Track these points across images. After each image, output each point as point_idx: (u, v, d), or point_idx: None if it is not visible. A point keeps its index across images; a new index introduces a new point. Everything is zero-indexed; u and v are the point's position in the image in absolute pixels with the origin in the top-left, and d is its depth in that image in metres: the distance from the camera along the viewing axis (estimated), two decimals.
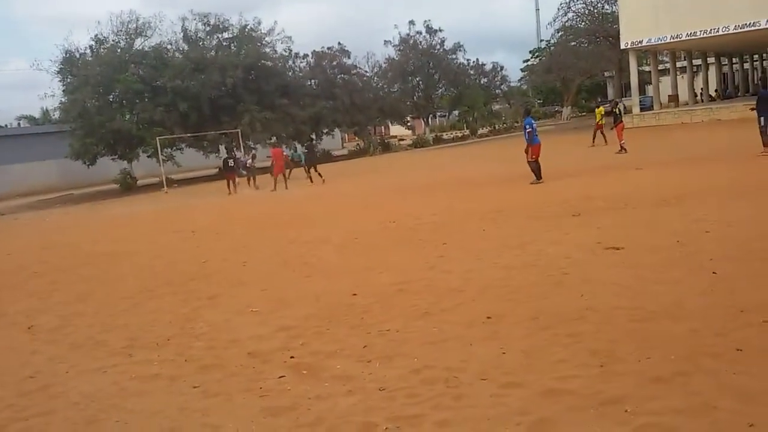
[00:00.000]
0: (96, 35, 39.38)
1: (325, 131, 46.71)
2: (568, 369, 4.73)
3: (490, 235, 10.16)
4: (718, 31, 33.98)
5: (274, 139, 37.29)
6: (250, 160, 28.88)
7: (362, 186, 22.56)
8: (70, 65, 38.68)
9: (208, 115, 38.54)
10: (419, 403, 4.49)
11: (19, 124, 66.45)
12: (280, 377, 5.28)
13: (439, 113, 69.04)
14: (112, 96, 38.31)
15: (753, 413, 3.79)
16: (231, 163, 27.16)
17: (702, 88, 49.68)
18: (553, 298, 6.49)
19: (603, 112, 27.95)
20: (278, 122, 39.86)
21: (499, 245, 9.28)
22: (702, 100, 47.72)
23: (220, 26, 41.27)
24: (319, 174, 25.63)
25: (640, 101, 40.60)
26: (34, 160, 45.26)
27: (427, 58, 52.46)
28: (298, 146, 34.16)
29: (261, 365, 5.62)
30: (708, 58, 49.49)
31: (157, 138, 34.26)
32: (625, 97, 49.90)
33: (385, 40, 54.37)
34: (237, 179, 26.59)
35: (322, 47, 47.22)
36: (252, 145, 38.41)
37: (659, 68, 45.03)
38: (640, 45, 37.40)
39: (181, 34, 40.91)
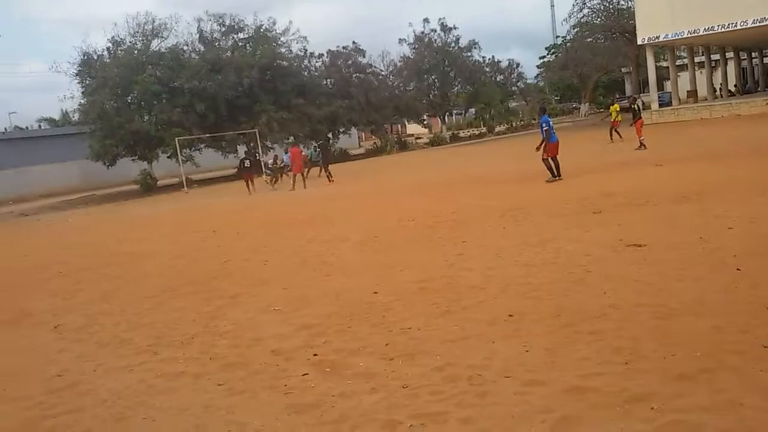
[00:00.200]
0: (113, 37, 39.86)
1: (341, 130, 46.87)
2: (591, 366, 4.73)
3: (509, 233, 10.15)
4: (736, 26, 33.61)
5: (291, 138, 37.44)
6: (271, 161, 29.19)
7: (380, 184, 22.60)
8: (89, 67, 39.10)
9: (225, 116, 38.81)
10: (443, 401, 4.51)
11: (39, 126, 67.18)
12: (304, 375, 5.32)
13: (455, 111, 68.92)
14: (130, 97, 38.67)
15: None
16: (247, 163, 27.41)
17: (721, 84, 49.17)
18: (574, 295, 6.48)
19: (618, 109, 27.77)
20: (295, 122, 40.05)
21: (520, 243, 9.27)
22: (721, 96, 47.21)
23: (236, 27, 41.54)
24: (328, 176, 25.80)
25: (659, 97, 40.27)
26: (55, 161, 45.83)
27: (442, 55, 52.32)
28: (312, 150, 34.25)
29: (284, 363, 5.67)
30: (726, 53, 48.96)
31: (176, 139, 34.54)
32: (643, 93, 49.49)
33: (399, 39, 54.33)
34: (256, 178, 26.85)
35: (337, 46, 47.40)
36: (270, 145, 38.65)
37: (677, 63, 44.61)
38: (657, 40, 37.06)
39: (197, 35, 41.25)
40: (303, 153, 28.16)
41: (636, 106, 24.48)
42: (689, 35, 35.63)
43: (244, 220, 17.05)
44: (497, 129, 56.39)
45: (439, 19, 52.49)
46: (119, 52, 39.34)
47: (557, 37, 67.33)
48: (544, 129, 15.82)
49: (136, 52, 39.17)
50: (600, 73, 57.32)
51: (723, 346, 4.78)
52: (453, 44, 52.96)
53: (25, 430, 5.02)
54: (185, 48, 41.06)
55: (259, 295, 8.31)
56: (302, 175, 25.34)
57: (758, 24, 32.92)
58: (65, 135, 51.39)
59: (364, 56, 47.69)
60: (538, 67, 68.20)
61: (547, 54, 66.53)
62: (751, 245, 7.49)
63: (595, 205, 11.58)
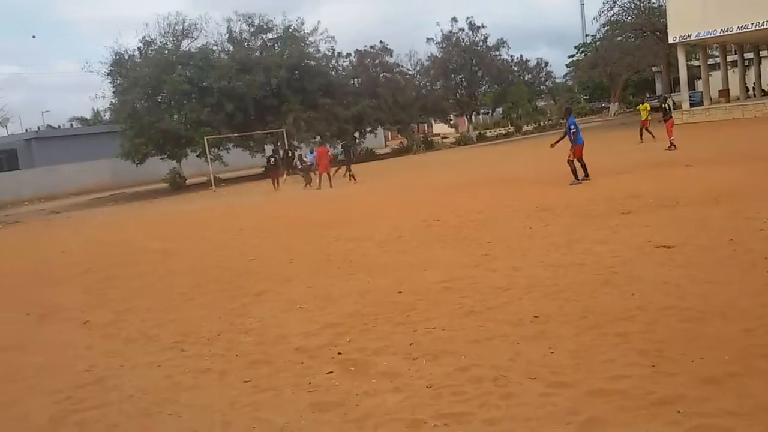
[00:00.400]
0: (144, 37, 40.35)
1: (368, 130, 46.90)
2: (617, 369, 4.69)
3: (536, 234, 10.08)
4: None
5: (318, 138, 37.60)
6: (297, 161, 29.53)
7: (405, 184, 22.57)
8: (120, 67, 39.66)
9: (253, 115, 39.11)
10: (466, 401, 4.50)
11: (71, 125, 68.37)
12: (328, 373, 5.35)
13: (482, 110, 68.63)
14: (160, 97, 39.11)
15: None
16: (272, 161, 28.66)
17: (754, 83, 48.26)
18: (601, 297, 6.42)
19: (648, 108, 27.37)
20: (322, 121, 40.21)
21: (546, 244, 9.20)
22: (754, 95, 46.31)
23: (265, 27, 41.78)
24: (351, 176, 25.86)
25: (690, 97, 39.62)
26: (86, 159, 46.56)
27: (470, 55, 52.08)
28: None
29: (309, 361, 5.70)
30: (760, 52, 48.05)
31: (205, 138, 34.89)
32: (674, 92, 48.78)
33: (427, 38, 54.01)
34: (283, 177, 27.20)
35: (365, 46, 47.42)
36: (297, 144, 38.86)
37: (709, 62, 43.90)
38: (688, 39, 36.48)
39: (227, 35, 41.57)
40: (329, 153, 28.29)
41: (666, 105, 24.12)
42: (722, 33, 34.99)
43: (271, 219, 17.17)
44: (525, 129, 55.96)
45: (467, 17, 52.32)
46: (150, 52, 39.83)
47: (587, 35, 66.74)
48: (572, 131, 15.59)
49: (166, 52, 39.61)
50: (630, 72, 56.59)
51: (752, 350, 4.70)
52: (481, 43, 52.70)
53: (54, 423, 5.11)
54: (215, 48, 41.45)
55: (285, 293, 8.37)
56: (328, 174, 25.43)
57: None
58: (96, 134, 52.30)
59: (391, 56, 47.70)
60: (567, 66, 67.59)
61: (577, 53, 65.93)
62: None
63: (623, 206, 11.45)
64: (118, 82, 39.42)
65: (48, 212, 32.25)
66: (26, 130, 60.38)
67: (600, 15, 51.69)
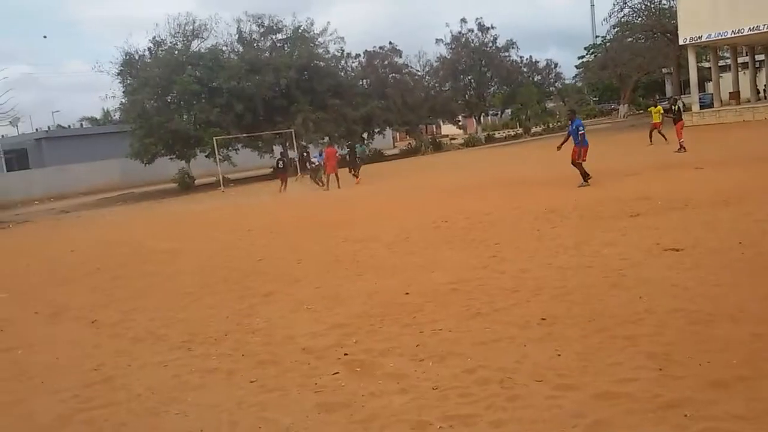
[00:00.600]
0: (154, 37, 40.53)
1: (376, 131, 46.90)
2: (625, 372, 4.67)
3: (544, 236, 10.05)
4: None
5: (326, 138, 37.64)
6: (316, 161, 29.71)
7: (414, 185, 22.56)
8: (130, 67, 39.83)
9: (262, 116, 39.19)
10: (473, 403, 4.49)
11: (81, 124, 68.70)
12: (335, 374, 5.35)
13: (491, 112, 68.49)
14: (170, 97, 39.26)
15: None
16: (281, 164, 28.87)
17: (765, 85, 47.99)
18: (609, 299, 6.39)
19: (661, 111, 27.22)
20: (331, 122, 40.25)
21: (554, 245, 9.18)
22: (765, 97, 46.10)
23: (274, 27, 41.86)
24: (355, 175, 25.90)
25: (700, 99, 39.41)
26: (96, 159, 46.79)
27: (479, 55, 51.94)
28: (357, 146, 34.00)
29: (315, 361, 5.70)
30: None
31: (214, 138, 34.99)
32: (684, 94, 48.54)
33: (436, 39, 53.94)
34: (296, 177, 27.41)
35: (374, 47, 47.43)
36: (305, 145, 38.91)
37: (719, 64, 43.66)
38: (699, 41, 36.28)
39: (236, 35, 41.66)
40: (337, 153, 28.36)
41: (676, 107, 24.00)
42: (733, 35, 34.78)
43: (279, 220, 17.20)
44: (533, 130, 55.80)
45: (477, 18, 52.18)
46: (160, 52, 40.00)
47: (597, 36, 66.47)
48: (581, 133, 15.50)
49: (176, 52, 39.76)
50: (640, 73, 56.35)
51: (761, 354, 4.67)
52: (490, 44, 52.54)
53: (62, 422, 5.13)
54: (224, 48, 41.56)
55: (292, 293, 8.38)
56: (336, 175, 25.45)
57: None
58: (106, 134, 52.56)
59: (400, 56, 47.68)
60: (576, 67, 67.38)
61: (586, 54, 65.70)
62: None
63: (632, 208, 11.41)
64: (128, 82, 39.61)
65: (57, 212, 32.43)
66: (36, 129, 60.71)
67: (610, 16, 51.52)
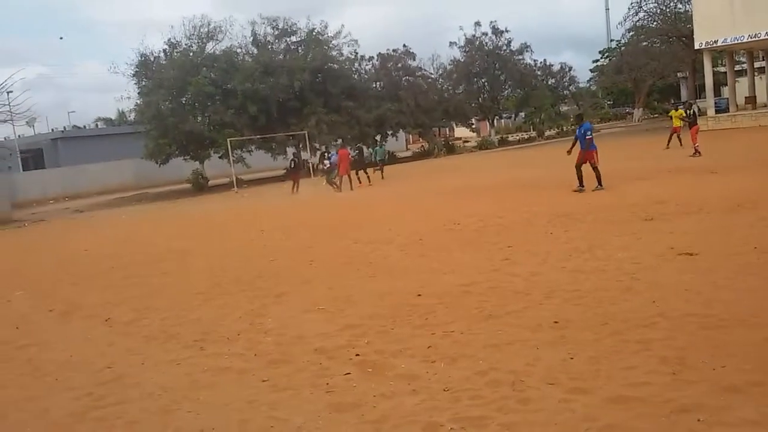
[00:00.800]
0: (169, 39, 40.82)
1: (389, 133, 46.92)
2: (637, 376, 4.64)
3: (557, 239, 10.02)
4: None
5: (339, 140, 37.72)
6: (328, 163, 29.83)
7: (426, 187, 22.53)
8: (145, 68, 40.12)
9: (276, 118, 39.31)
10: (484, 405, 4.48)
11: (96, 125, 69.25)
12: (346, 374, 5.36)
13: (504, 115, 68.28)
14: (184, 98, 39.51)
15: None
16: (292, 165, 29.36)
17: None
18: (622, 303, 6.36)
19: (683, 115, 26.94)
20: (344, 124, 40.36)
21: (567, 249, 9.14)
22: None
23: (289, 30, 42.03)
24: (359, 179, 25.91)
25: (715, 103, 39.14)
26: (111, 159, 47.14)
27: (493, 59, 51.89)
28: (377, 148, 33.80)
29: (327, 362, 5.71)
30: None
31: (228, 140, 35.14)
32: (700, 98, 48.25)
33: (450, 42, 54.04)
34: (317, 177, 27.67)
35: (387, 49, 47.49)
36: (317, 147, 39.01)
37: (736, 69, 43.32)
38: (715, 45, 36.01)
39: (251, 38, 41.89)
40: (350, 155, 28.42)
41: (691, 112, 23.84)
42: (750, 39, 34.48)
43: (291, 221, 17.23)
44: (547, 133, 55.59)
45: (491, 22, 52.20)
46: (175, 54, 40.25)
47: (612, 40, 66.14)
48: (588, 138, 15.38)
49: (191, 54, 40.01)
50: (655, 77, 56.04)
51: None
52: (504, 47, 52.48)
53: (75, 419, 5.17)
54: (239, 51, 41.78)
55: (304, 294, 8.40)
56: (349, 176, 25.49)
57: None
58: (121, 134, 52.93)
59: (414, 59, 47.71)
60: (591, 71, 67.08)
61: (601, 58, 65.44)
62: None
63: (646, 212, 11.35)
64: (144, 83, 39.90)
65: (72, 211, 32.69)
66: (52, 129, 61.29)
67: (625, 20, 51.37)
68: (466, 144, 54.19)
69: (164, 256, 13.24)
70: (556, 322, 5.98)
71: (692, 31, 37.63)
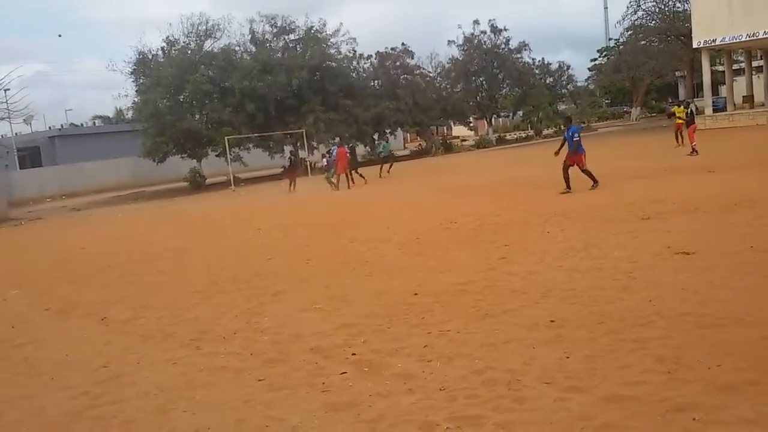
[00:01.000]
0: (167, 37, 40.74)
1: (387, 131, 46.89)
2: (633, 375, 4.65)
3: (553, 238, 10.02)
4: None
5: (337, 139, 37.71)
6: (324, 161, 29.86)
7: (423, 186, 22.52)
8: (143, 66, 40.08)
9: (273, 116, 39.28)
10: (480, 404, 4.48)
11: (94, 123, 69.13)
12: (342, 373, 5.35)
13: (502, 113, 68.28)
14: (182, 96, 39.47)
15: None
16: (289, 164, 29.53)
17: None
18: (618, 302, 6.37)
19: (686, 112, 26.82)
20: (342, 123, 40.32)
21: (564, 248, 9.15)
22: None
23: (287, 28, 41.99)
24: (352, 179, 25.89)
25: (713, 102, 39.15)
26: (108, 158, 47.08)
27: (491, 57, 51.80)
28: (384, 143, 33.53)
29: (323, 361, 5.71)
30: None
31: (226, 138, 35.11)
32: (697, 97, 48.27)
33: (448, 40, 53.95)
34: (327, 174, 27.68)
35: (386, 48, 47.41)
36: (315, 145, 39.00)
37: (734, 68, 43.35)
38: (713, 44, 36.01)
39: (249, 35, 41.83)
40: (348, 154, 28.39)
41: (689, 110, 23.84)
42: (748, 38, 34.48)
43: (288, 219, 17.22)
44: (545, 132, 55.60)
45: (489, 20, 52.06)
46: (173, 51, 40.19)
47: (610, 39, 66.26)
48: (575, 140, 15.34)
49: (189, 52, 39.96)
50: (653, 76, 56.10)
51: None
52: (503, 46, 52.38)
53: (71, 418, 5.16)
54: (237, 48, 41.74)
55: (301, 292, 8.39)
56: (346, 175, 25.46)
57: None
58: (118, 132, 52.88)
59: (412, 58, 47.64)
60: (589, 69, 67.14)
61: (599, 56, 65.49)
62: None
63: (643, 211, 11.35)
64: (141, 81, 39.86)
65: (69, 209, 32.64)
66: (50, 127, 61.12)
67: (624, 19, 51.38)
68: (464, 143, 54.18)
69: (161, 254, 13.22)
70: (552, 321, 5.99)
71: (690, 30, 37.66)
